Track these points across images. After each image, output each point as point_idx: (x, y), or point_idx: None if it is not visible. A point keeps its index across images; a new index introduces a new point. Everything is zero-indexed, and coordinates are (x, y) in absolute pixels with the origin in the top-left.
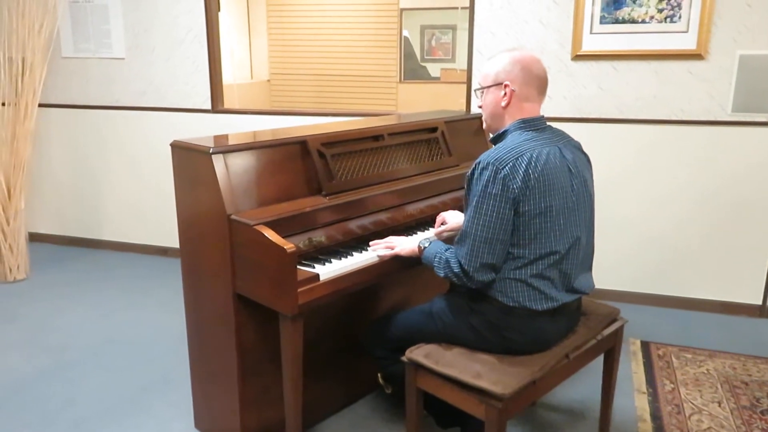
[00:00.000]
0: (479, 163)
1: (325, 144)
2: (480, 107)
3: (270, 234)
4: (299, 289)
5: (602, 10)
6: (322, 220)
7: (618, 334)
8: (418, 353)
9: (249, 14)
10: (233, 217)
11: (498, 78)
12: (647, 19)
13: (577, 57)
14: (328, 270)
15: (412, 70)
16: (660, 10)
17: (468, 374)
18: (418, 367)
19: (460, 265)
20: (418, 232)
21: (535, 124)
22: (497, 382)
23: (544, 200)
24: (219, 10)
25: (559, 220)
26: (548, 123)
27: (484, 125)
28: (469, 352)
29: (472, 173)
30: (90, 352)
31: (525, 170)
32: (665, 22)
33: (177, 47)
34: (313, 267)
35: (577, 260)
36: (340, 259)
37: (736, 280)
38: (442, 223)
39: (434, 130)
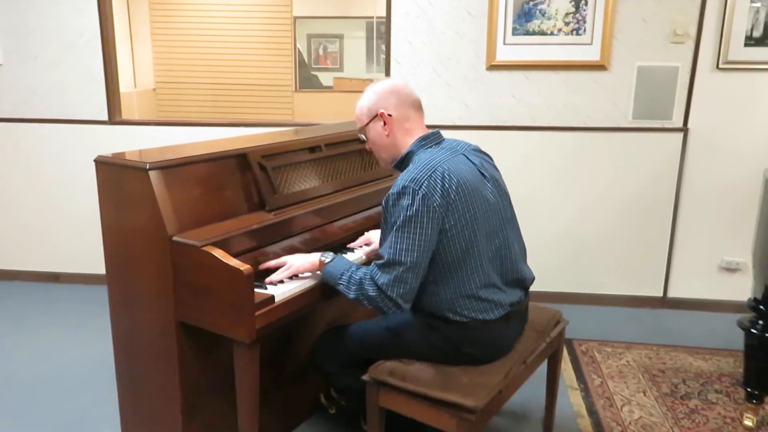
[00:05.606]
0: (395, 188)
1: (266, 156)
2: (370, 149)
3: (221, 255)
4: (256, 313)
5: (514, 22)
6: (271, 238)
7: (561, 335)
8: (382, 371)
9: (130, 18)
10: (176, 238)
11: (371, 111)
12: (555, 32)
13: (492, 67)
14: (283, 290)
15: (307, 79)
16: (567, 23)
17: (437, 389)
18: (381, 385)
19: (379, 290)
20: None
21: (434, 139)
22: (468, 395)
23: (468, 211)
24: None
25: (486, 226)
26: (443, 134)
27: (382, 163)
28: (433, 366)
29: (388, 200)
30: None
31: (441, 185)
32: (572, 34)
33: (67, 52)
34: (266, 288)
35: (512, 257)
36: (292, 278)
37: (641, 275)
38: (366, 243)
39: None
